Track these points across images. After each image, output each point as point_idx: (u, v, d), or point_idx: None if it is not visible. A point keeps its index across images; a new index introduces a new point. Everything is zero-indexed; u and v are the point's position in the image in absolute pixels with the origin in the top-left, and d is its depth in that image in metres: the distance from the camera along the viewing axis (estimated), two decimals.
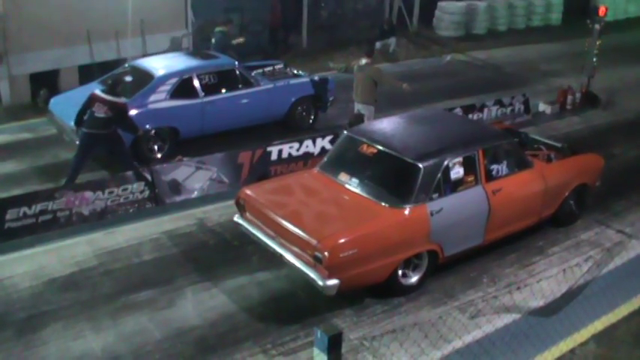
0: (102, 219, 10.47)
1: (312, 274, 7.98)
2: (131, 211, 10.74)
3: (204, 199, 11.25)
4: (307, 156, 12.25)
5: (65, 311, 8.25)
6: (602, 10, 16.44)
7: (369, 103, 12.93)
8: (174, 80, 12.74)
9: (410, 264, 8.68)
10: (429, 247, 8.66)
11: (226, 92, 13.27)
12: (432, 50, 23.25)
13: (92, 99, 11.23)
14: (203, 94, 12.97)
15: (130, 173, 10.83)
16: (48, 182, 11.46)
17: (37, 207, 9.91)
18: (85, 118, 11.22)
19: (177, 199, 11.14)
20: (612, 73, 18.82)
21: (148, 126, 12.31)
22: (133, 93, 12.23)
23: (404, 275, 8.65)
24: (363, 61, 13.06)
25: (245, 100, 13.47)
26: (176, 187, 11.11)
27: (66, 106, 12.56)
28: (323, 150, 12.28)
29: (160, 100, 12.53)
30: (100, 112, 11.06)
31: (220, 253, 9.74)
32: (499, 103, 15.38)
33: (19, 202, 9.85)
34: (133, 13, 16.75)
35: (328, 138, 12.44)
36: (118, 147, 11.52)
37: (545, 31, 26.89)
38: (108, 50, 16.97)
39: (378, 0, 24.53)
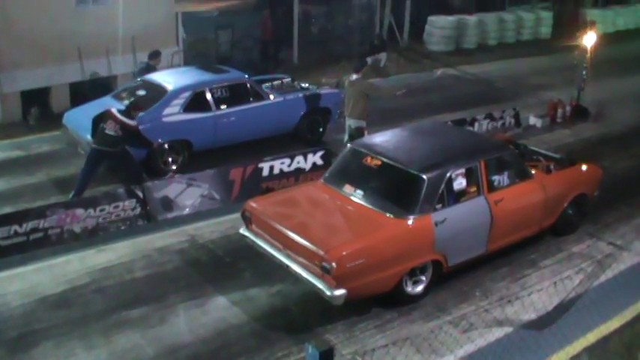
0: (93, 236, 10.44)
1: (319, 285, 8.05)
2: (123, 228, 10.72)
3: (195, 216, 11.24)
4: (299, 172, 12.27)
5: (57, 329, 8.21)
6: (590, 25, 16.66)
7: (360, 117, 12.94)
8: (187, 94, 12.89)
9: (415, 274, 8.76)
10: (434, 256, 8.78)
11: (238, 105, 13.42)
12: (423, 65, 23.37)
13: (106, 115, 11.38)
14: (215, 107, 13.13)
15: (121, 190, 10.84)
16: (39, 200, 11.40)
17: (28, 225, 9.89)
18: (96, 133, 11.40)
19: (169, 215, 11.12)
20: (602, 86, 18.88)
21: (161, 139, 12.42)
22: (146, 107, 12.33)
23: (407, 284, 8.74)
24: (354, 76, 13.11)
25: (256, 113, 13.63)
26: (168, 203, 11.11)
27: (81, 120, 12.69)
28: (314, 166, 12.33)
29: (173, 113, 12.68)
30: (110, 129, 11.21)
31: (212, 269, 9.72)
32: (490, 116, 15.44)
33: (10, 220, 9.82)
34: (124, 31, 16.79)
35: (319, 154, 12.48)
36: (127, 163, 11.70)
37: (535, 45, 27.07)
38: (99, 67, 17.00)
39: (368, 15, 24.66)
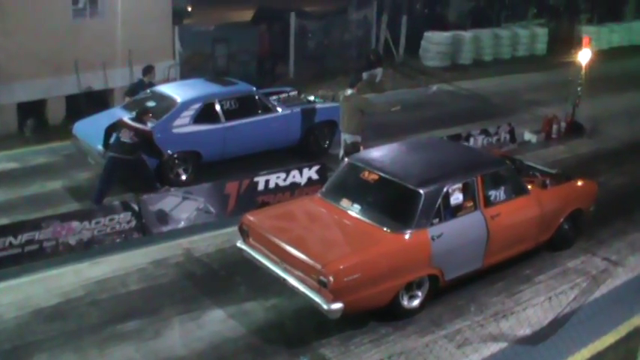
0: (88, 249, 10.42)
1: (316, 298, 8.07)
2: (118, 241, 10.70)
3: (191, 230, 11.22)
4: (294, 186, 12.28)
5: (51, 342, 8.19)
6: (585, 41, 16.72)
7: (355, 132, 12.98)
8: (197, 106, 13.00)
9: (411, 288, 8.76)
10: (430, 271, 8.80)
11: (246, 118, 13.51)
12: (419, 80, 23.39)
13: (119, 124, 11.59)
14: (224, 119, 13.22)
15: (116, 203, 10.85)
16: (34, 212, 11.37)
17: (23, 237, 9.87)
18: (111, 142, 11.60)
19: (164, 229, 11.11)
20: (596, 102, 18.96)
21: (171, 150, 12.47)
22: (157, 118, 12.43)
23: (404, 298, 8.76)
24: (349, 91, 13.16)
25: (264, 126, 13.75)
26: (163, 217, 11.09)
27: (91, 130, 12.80)
28: (310, 180, 12.34)
29: (183, 124, 12.78)
30: (125, 137, 11.43)
31: (207, 283, 9.71)
32: (485, 132, 15.47)
33: (5, 232, 9.80)
34: (121, 44, 16.84)
35: (315, 168, 12.49)
36: (143, 171, 11.85)
37: (530, 61, 27.13)
38: (96, 80, 17.02)
39: (364, 31, 24.73)
